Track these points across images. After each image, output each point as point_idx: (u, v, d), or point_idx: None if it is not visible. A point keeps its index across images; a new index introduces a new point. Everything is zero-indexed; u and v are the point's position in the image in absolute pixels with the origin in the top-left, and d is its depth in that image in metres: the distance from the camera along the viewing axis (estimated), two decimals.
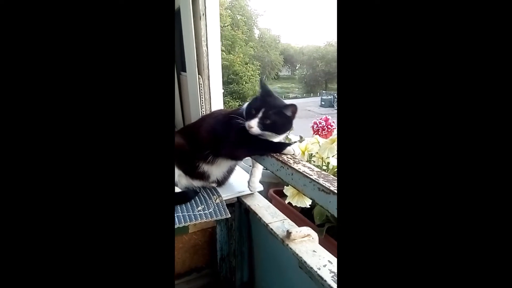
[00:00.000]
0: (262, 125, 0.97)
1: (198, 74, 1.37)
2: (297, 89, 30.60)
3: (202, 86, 1.38)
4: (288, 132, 1.06)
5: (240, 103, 12.22)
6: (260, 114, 0.96)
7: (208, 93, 1.39)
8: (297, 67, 33.56)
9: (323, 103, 21.57)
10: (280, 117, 0.97)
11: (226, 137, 1.06)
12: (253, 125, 0.97)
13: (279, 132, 1.01)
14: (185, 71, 1.58)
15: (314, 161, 1.18)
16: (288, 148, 0.96)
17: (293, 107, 0.98)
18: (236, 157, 1.12)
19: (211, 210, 1.06)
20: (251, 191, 1.17)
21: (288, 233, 0.91)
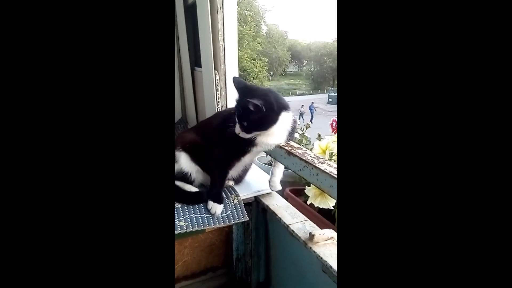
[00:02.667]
0: (244, 128, 0.91)
1: (214, 69, 1.34)
2: (304, 86, 30.43)
3: (218, 81, 1.34)
4: (273, 125, 0.94)
5: None
6: (237, 119, 0.91)
7: (224, 89, 1.36)
8: (304, 64, 33.38)
9: (330, 100, 21.43)
10: (252, 115, 0.88)
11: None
12: (238, 131, 0.92)
13: (263, 128, 0.93)
14: (199, 66, 1.55)
15: (334, 160, 1.14)
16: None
17: (254, 102, 0.86)
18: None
19: (229, 212, 1.03)
20: (272, 190, 1.14)
21: (311, 236, 0.88)
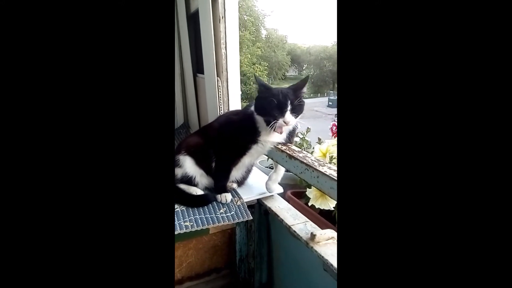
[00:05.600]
0: (291, 112, 0.99)
1: (217, 76, 1.38)
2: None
3: (221, 88, 1.39)
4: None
5: (248, 104, 12.22)
6: (289, 106, 0.98)
7: (226, 95, 1.40)
8: (304, 67, 33.42)
9: (330, 103, 21.41)
10: (299, 101, 1.01)
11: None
12: (289, 119, 0.98)
13: (300, 113, 1.03)
14: (202, 73, 1.59)
15: (334, 163, 1.17)
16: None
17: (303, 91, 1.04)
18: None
19: (232, 212, 1.06)
20: (269, 192, 1.18)
21: (312, 236, 0.92)
